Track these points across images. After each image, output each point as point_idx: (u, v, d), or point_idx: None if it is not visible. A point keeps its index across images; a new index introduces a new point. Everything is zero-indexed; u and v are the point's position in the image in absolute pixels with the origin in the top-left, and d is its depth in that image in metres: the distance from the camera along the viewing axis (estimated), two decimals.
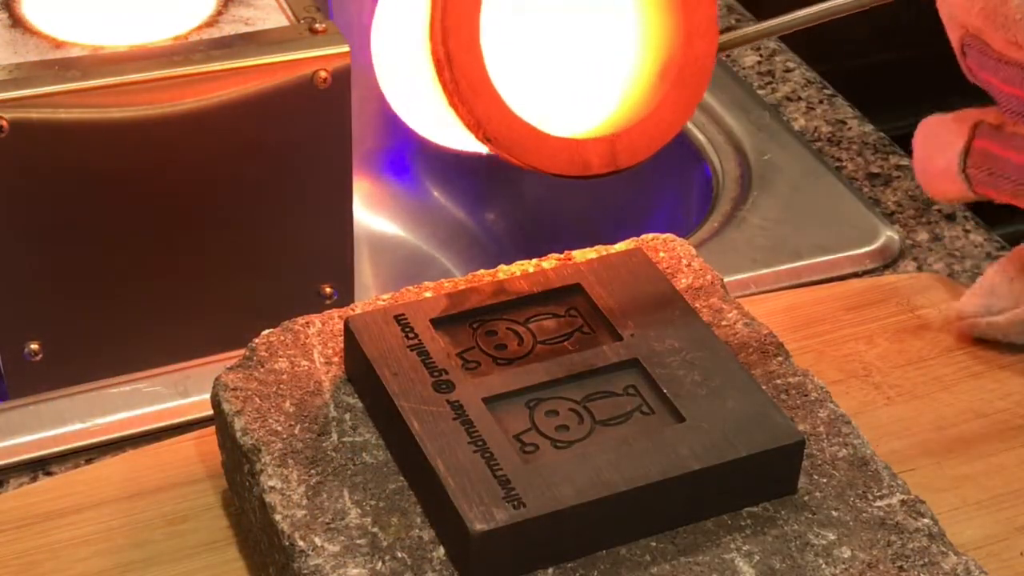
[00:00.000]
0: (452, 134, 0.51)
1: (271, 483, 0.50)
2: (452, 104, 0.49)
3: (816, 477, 0.51)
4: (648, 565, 0.48)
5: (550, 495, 0.47)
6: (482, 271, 0.57)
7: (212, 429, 0.55)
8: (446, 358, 0.52)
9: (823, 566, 0.48)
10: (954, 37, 0.58)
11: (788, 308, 0.65)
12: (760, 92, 0.85)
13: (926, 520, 0.50)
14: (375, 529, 0.48)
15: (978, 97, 0.60)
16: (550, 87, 0.53)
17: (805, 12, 0.53)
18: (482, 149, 0.51)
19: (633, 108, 0.52)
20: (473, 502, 0.47)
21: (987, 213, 0.72)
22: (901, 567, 0.49)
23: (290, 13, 0.73)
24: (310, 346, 0.55)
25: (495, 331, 0.53)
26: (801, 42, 0.89)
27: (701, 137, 0.81)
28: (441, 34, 0.48)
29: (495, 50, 0.49)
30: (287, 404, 0.52)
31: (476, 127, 0.49)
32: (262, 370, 0.53)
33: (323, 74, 0.70)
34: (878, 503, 0.51)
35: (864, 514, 0.50)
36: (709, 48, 0.51)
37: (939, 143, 0.61)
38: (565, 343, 0.53)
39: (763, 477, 0.50)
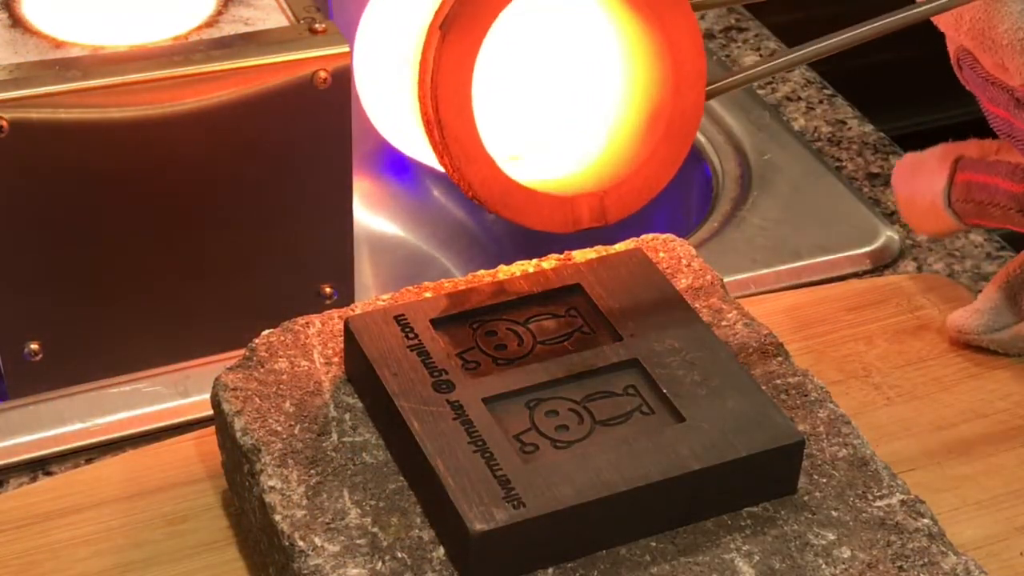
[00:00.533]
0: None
1: (271, 483, 0.50)
2: (442, 164, 0.50)
3: (816, 477, 0.51)
4: (648, 565, 0.48)
5: (550, 495, 0.47)
6: (482, 271, 0.57)
7: (212, 429, 0.55)
8: (446, 358, 0.52)
9: (823, 566, 0.48)
10: (951, 49, 0.58)
11: (788, 308, 0.65)
12: (760, 92, 0.85)
13: (926, 520, 0.50)
14: (375, 529, 0.48)
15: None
16: (540, 139, 0.53)
17: (788, 57, 0.53)
18: None
19: (622, 161, 0.53)
20: (473, 502, 0.47)
21: None
22: (901, 567, 0.49)
23: (290, 13, 0.73)
24: (310, 346, 0.55)
25: (495, 331, 0.53)
26: (801, 42, 0.89)
27: (701, 137, 0.81)
28: (432, 99, 0.48)
29: (485, 103, 0.50)
30: (287, 404, 0.52)
31: (467, 188, 0.50)
32: (262, 370, 0.53)
33: (323, 74, 0.70)
34: (878, 503, 0.51)
35: (864, 514, 0.50)
36: (697, 99, 0.52)
37: (920, 181, 0.61)
38: (565, 343, 0.53)
39: (763, 477, 0.50)
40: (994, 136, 0.59)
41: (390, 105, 0.54)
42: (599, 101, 0.53)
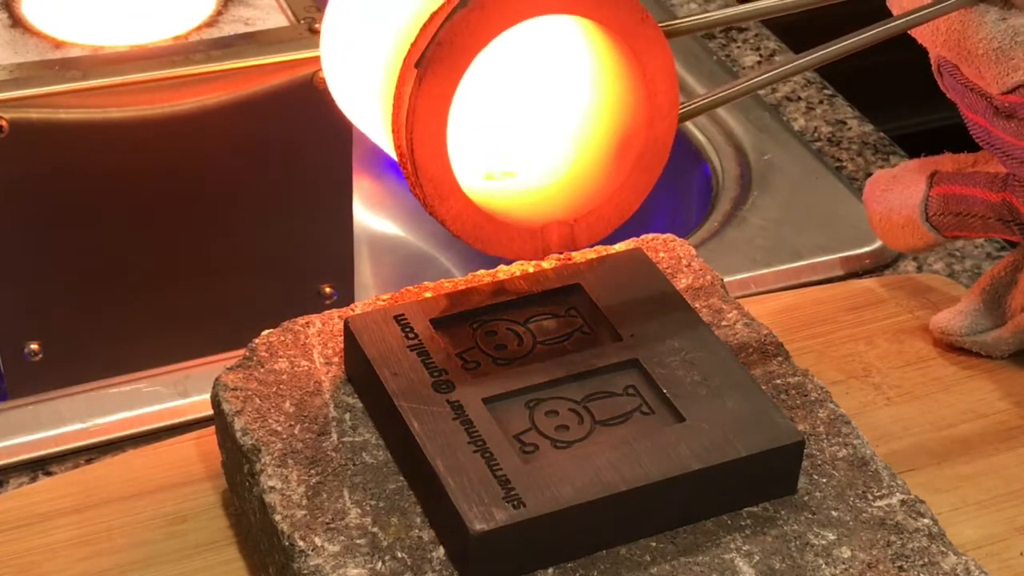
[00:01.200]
0: None
1: (271, 483, 0.50)
2: (415, 194, 0.50)
3: (816, 477, 0.51)
4: (648, 565, 0.48)
5: (550, 495, 0.47)
6: (482, 271, 0.57)
7: (212, 429, 0.55)
8: (446, 358, 0.52)
9: (823, 566, 0.48)
10: (932, 56, 0.58)
11: (788, 308, 0.65)
12: (760, 92, 0.85)
13: (926, 520, 0.50)
14: (375, 529, 0.48)
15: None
16: (512, 164, 0.54)
17: (760, 77, 0.53)
18: None
19: (593, 189, 0.53)
20: (473, 502, 0.47)
21: None
22: (901, 567, 0.49)
23: (290, 13, 0.73)
24: (310, 346, 0.55)
25: (495, 331, 0.53)
26: (801, 42, 0.89)
27: (701, 137, 0.81)
28: (408, 140, 0.49)
29: (458, 126, 0.50)
30: (287, 404, 0.52)
31: (440, 221, 0.50)
32: (262, 370, 0.53)
33: (323, 74, 0.70)
34: (878, 503, 0.51)
35: (864, 514, 0.50)
36: (669, 129, 0.52)
37: (895, 197, 0.61)
38: (565, 343, 0.53)
39: (763, 477, 0.50)
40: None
41: (358, 104, 0.54)
42: (572, 129, 0.54)
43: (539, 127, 0.54)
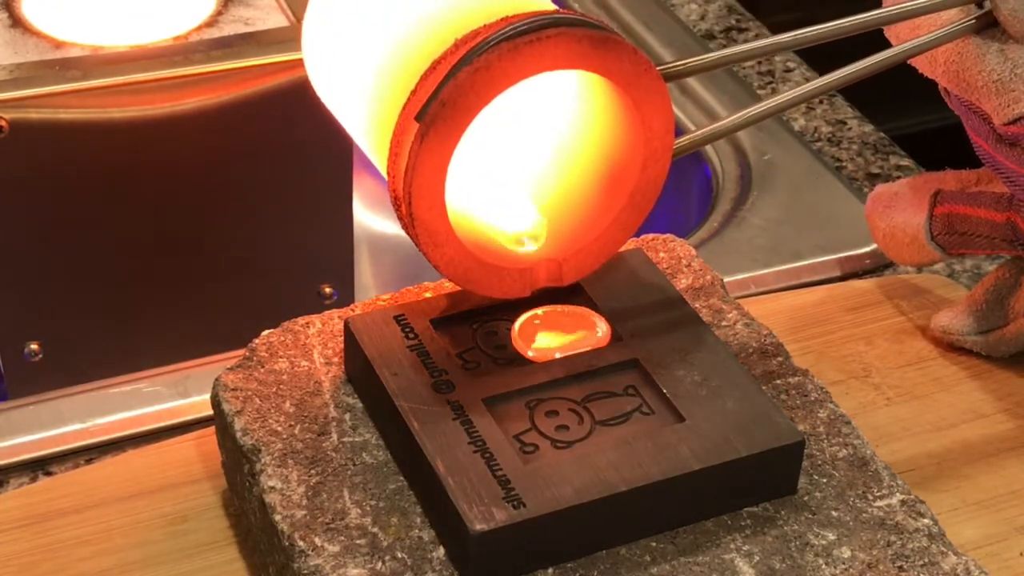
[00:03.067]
0: None
1: (271, 483, 0.50)
2: (408, 235, 0.50)
3: (816, 477, 0.51)
4: (648, 565, 0.48)
5: (550, 495, 0.47)
6: None
7: (212, 429, 0.55)
8: (446, 358, 0.52)
9: (823, 566, 0.48)
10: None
11: (788, 308, 0.65)
12: (760, 92, 0.85)
13: (926, 520, 0.50)
14: (375, 529, 0.48)
15: None
16: (503, 201, 0.53)
17: (743, 115, 0.53)
18: None
19: (582, 229, 0.53)
20: (473, 502, 0.47)
21: None
22: (901, 567, 0.49)
23: (290, 13, 0.73)
24: (310, 346, 0.55)
25: (495, 331, 0.53)
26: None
27: None
28: (406, 194, 0.48)
29: (455, 169, 0.49)
30: (287, 404, 0.52)
31: (434, 265, 0.50)
32: (262, 370, 0.53)
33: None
34: (878, 503, 0.51)
35: (864, 514, 0.50)
36: (662, 171, 0.52)
37: (898, 215, 0.61)
38: None
39: (763, 477, 0.50)
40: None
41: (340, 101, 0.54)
42: (564, 170, 0.54)
43: (534, 170, 0.54)
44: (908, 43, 0.54)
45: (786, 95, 0.53)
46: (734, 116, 0.53)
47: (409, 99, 0.48)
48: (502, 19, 0.48)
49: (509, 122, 0.52)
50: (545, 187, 0.54)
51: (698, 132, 0.53)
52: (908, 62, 0.57)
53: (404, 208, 0.49)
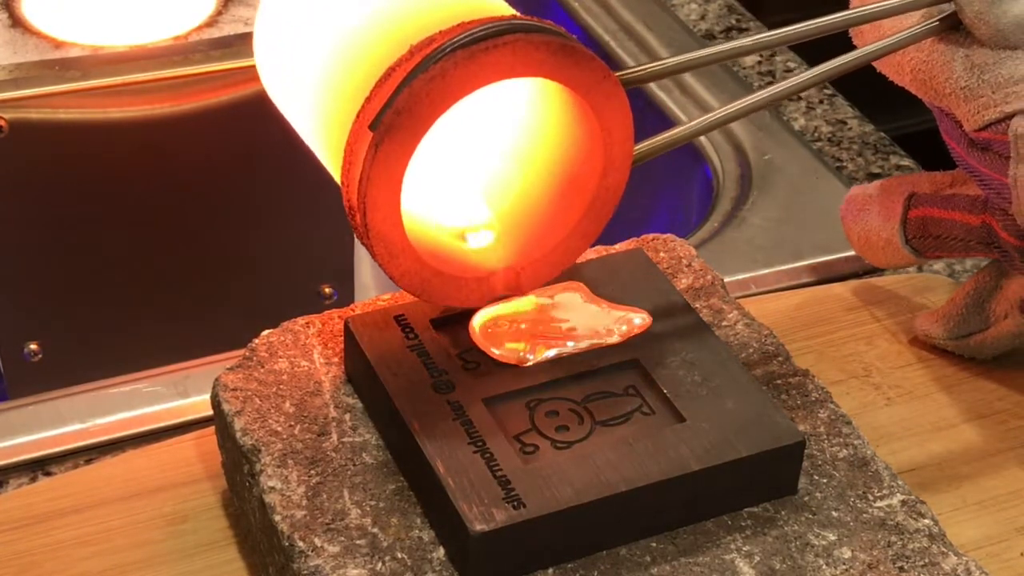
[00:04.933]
0: None
1: (271, 483, 0.50)
2: (363, 245, 0.49)
3: (816, 477, 0.51)
4: (648, 565, 0.48)
5: (550, 495, 0.47)
6: None
7: (212, 429, 0.55)
8: (446, 358, 0.52)
9: (823, 567, 0.48)
10: None
11: (788, 308, 0.65)
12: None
13: (926, 520, 0.50)
14: (375, 529, 0.48)
15: None
16: (459, 209, 0.53)
17: (717, 114, 0.53)
18: None
19: (540, 237, 0.52)
20: (473, 502, 0.47)
21: None
22: (901, 568, 0.49)
23: None
24: (310, 346, 0.55)
25: None
26: (799, 48, 0.89)
27: (701, 137, 0.81)
28: (360, 204, 0.47)
29: (410, 187, 0.49)
30: (287, 404, 0.52)
31: (389, 276, 0.49)
32: (262, 370, 0.53)
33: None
34: (878, 503, 0.51)
35: (864, 515, 0.50)
36: (621, 179, 0.51)
37: (872, 220, 0.61)
38: None
39: (763, 477, 0.50)
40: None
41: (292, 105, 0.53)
42: (521, 176, 0.53)
43: (491, 178, 0.53)
44: (872, 45, 0.54)
45: (738, 103, 0.53)
46: (691, 123, 0.52)
47: (363, 107, 0.47)
48: (458, 24, 0.47)
49: (465, 128, 0.52)
50: (502, 193, 0.53)
51: (658, 138, 0.52)
52: (877, 70, 0.56)
53: (359, 218, 0.48)
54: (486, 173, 0.53)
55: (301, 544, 0.48)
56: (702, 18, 0.92)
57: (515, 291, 0.52)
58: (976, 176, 0.56)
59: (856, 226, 0.62)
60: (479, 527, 0.46)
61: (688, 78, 0.84)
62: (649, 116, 0.83)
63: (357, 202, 0.48)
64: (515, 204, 0.53)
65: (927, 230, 0.59)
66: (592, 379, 0.52)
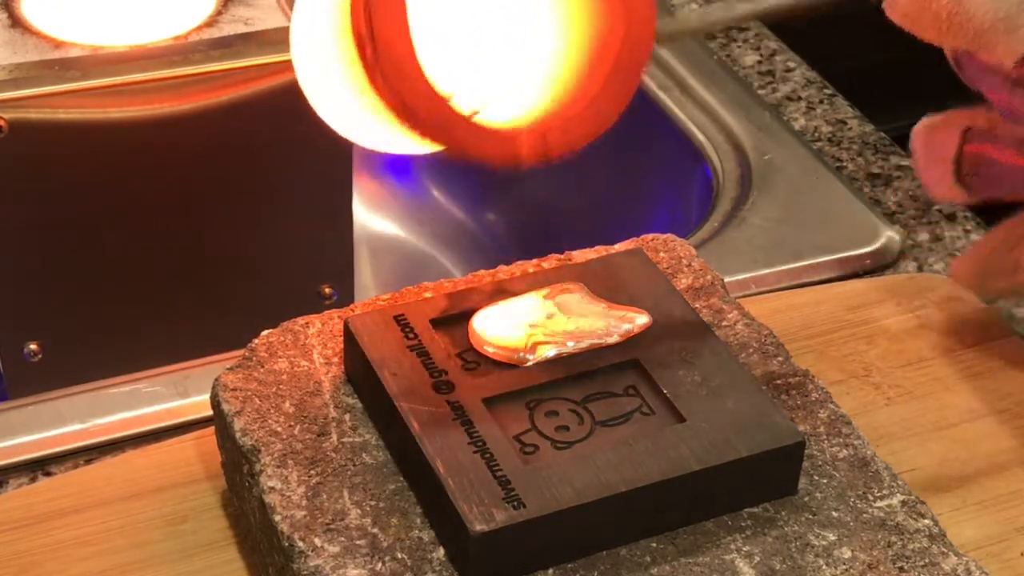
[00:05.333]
0: (368, 130, 0.49)
1: (271, 484, 0.50)
2: (374, 85, 0.46)
3: (816, 478, 0.51)
4: (648, 566, 0.48)
5: (550, 496, 0.47)
6: (482, 271, 0.57)
7: (212, 429, 0.55)
8: (446, 358, 0.52)
9: (823, 567, 0.48)
10: (947, 51, 0.57)
11: (788, 308, 0.65)
12: (760, 92, 0.85)
13: (927, 521, 0.50)
14: (375, 530, 0.48)
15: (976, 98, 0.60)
16: (476, 71, 0.50)
17: (749, 7, 0.52)
18: (404, 149, 0.49)
19: (567, 98, 0.50)
20: (473, 502, 0.47)
21: (987, 213, 0.72)
22: (902, 568, 0.49)
23: (290, 13, 0.73)
24: (310, 346, 0.55)
25: None
26: (801, 42, 0.89)
27: (701, 137, 0.81)
28: (364, 7, 0.45)
29: (420, 33, 0.46)
30: (287, 404, 0.52)
31: (400, 108, 0.46)
32: (262, 370, 0.53)
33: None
34: (878, 504, 0.51)
35: (864, 515, 0.50)
36: (647, 35, 0.49)
37: (933, 151, 0.60)
38: None
39: (763, 477, 0.50)
40: None
41: (323, 71, 0.51)
42: (542, 36, 0.50)
43: (507, 39, 0.50)
44: None
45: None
46: (735, 9, 0.51)
47: None
48: None
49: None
50: (517, 53, 0.50)
51: (692, 15, 0.50)
52: (907, 31, 0.55)
53: (366, 39, 0.45)
54: (500, 35, 0.51)
55: (301, 544, 0.48)
56: None
57: (542, 157, 0.50)
58: (1017, 119, 0.55)
59: (919, 157, 0.60)
60: (479, 527, 0.46)
61: (689, 79, 0.84)
62: (649, 116, 0.83)
63: (364, 7, 0.45)
64: (532, 63, 0.50)
65: (978, 167, 0.59)
66: (592, 379, 0.52)
